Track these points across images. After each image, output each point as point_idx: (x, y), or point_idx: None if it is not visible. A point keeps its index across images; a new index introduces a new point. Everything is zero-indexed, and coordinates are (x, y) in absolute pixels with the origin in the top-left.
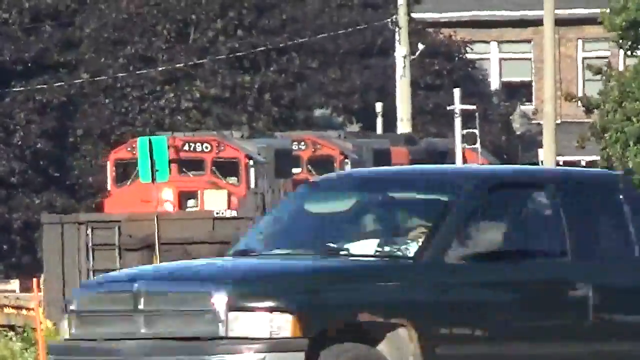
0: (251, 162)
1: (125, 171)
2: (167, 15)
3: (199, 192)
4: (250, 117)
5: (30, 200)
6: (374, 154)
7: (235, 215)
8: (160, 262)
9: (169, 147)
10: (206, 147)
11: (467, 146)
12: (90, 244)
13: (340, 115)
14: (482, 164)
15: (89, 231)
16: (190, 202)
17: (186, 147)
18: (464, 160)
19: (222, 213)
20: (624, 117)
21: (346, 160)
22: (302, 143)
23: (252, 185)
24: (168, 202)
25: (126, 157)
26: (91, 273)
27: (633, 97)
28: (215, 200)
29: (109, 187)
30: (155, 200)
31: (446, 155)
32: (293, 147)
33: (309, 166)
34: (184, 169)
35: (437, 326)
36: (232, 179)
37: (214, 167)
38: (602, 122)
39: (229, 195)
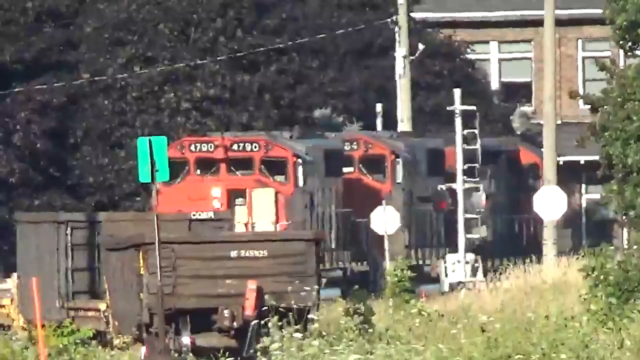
0: (299, 161)
1: (175, 170)
2: (168, 15)
3: (247, 190)
4: (251, 117)
5: (30, 201)
6: (427, 154)
7: (212, 217)
8: (149, 261)
9: (217, 147)
10: (255, 147)
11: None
12: (69, 244)
13: (340, 115)
14: (534, 161)
15: (69, 231)
16: (239, 201)
17: (235, 147)
18: (521, 159)
19: (199, 215)
20: (625, 116)
21: (398, 159)
22: (354, 143)
23: (300, 184)
24: (216, 199)
25: (175, 156)
26: (70, 272)
27: (635, 97)
28: (262, 199)
29: (158, 186)
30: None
31: (500, 155)
32: (345, 147)
33: (360, 166)
34: (232, 168)
35: None
36: (280, 178)
37: (262, 166)
38: (602, 121)
39: (277, 193)
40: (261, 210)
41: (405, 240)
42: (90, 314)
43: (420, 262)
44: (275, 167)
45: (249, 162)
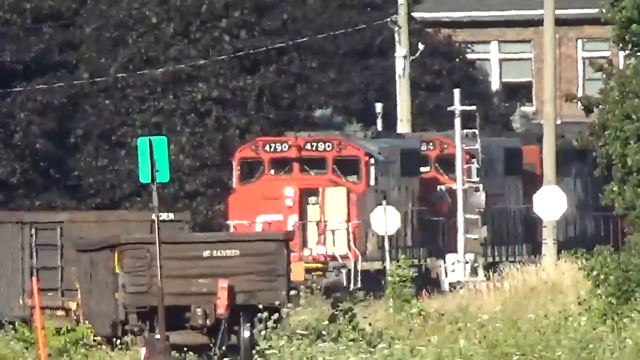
0: (371, 161)
1: (250, 169)
2: (170, 15)
3: (319, 189)
4: (250, 119)
5: (30, 201)
6: (504, 153)
7: (172, 218)
8: (125, 260)
9: (291, 146)
10: (328, 146)
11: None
12: (34, 244)
13: (340, 115)
14: None
15: (33, 231)
16: (312, 199)
17: (308, 146)
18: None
19: (160, 216)
20: (624, 115)
21: (473, 159)
22: (430, 143)
23: (372, 183)
24: (289, 198)
25: (250, 156)
26: (33, 271)
27: (633, 95)
28: (334, 198)
29: (234, 185)
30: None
31: (586, 154)
32: (422, 147)
33: (436, 165)
34: (305, 167)
35: None
36: (353, 177)
37: (334, 166)
38: (602, 120)
39: (349, 192)
40: (333, 208)
41: (482, 238)
42: (59, 313)
43: (497, 258)
44: (347, 166)
45: (321, 162)
